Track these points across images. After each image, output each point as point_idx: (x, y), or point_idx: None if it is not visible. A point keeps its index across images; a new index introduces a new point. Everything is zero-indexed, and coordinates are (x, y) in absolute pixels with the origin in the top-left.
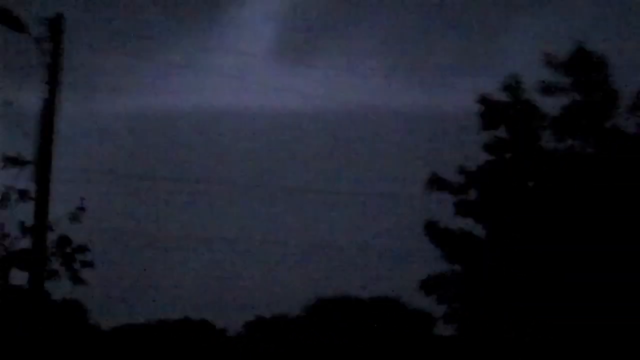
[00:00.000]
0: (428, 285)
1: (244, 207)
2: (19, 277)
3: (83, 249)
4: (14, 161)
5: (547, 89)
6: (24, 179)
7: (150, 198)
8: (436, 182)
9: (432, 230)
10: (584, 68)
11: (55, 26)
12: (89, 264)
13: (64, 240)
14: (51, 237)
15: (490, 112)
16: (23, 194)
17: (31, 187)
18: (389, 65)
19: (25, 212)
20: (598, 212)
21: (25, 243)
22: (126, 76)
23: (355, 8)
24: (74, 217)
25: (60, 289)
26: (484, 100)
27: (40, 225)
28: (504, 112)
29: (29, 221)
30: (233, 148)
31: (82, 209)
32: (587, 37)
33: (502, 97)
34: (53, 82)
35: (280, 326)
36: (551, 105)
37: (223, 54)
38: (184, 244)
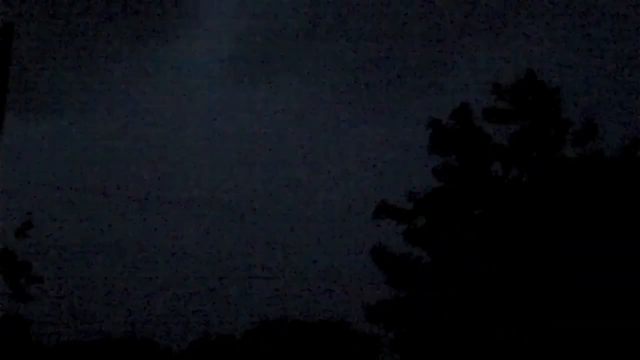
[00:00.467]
0: (375, 311)
1: (192, 223)
2: None
3: (27, 265)
4: None
5: (494, 115)
6: None
7: (97, 212)
8: (384, 209)
9: (379, 255)
10: (532, 97)
11: (5, 35)
12: (37, 280)
13: (8, 255)
14: None
15: (441, 137)
16: None
17: None
18: (342, 90)
19: None
20: (545, 240)
21: None
22: (80, 92)
23: (312, 34)
24: (20, 232)
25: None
26: (434, 125)
27: None
28: (454, 138)
29: None
30: (184, 165)
31: (29, 223)
32: (538, 67)
33: (453, 123)
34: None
35: (225, 347)
36: (500, 133)
37: (176, 71)
38: (129, 259)
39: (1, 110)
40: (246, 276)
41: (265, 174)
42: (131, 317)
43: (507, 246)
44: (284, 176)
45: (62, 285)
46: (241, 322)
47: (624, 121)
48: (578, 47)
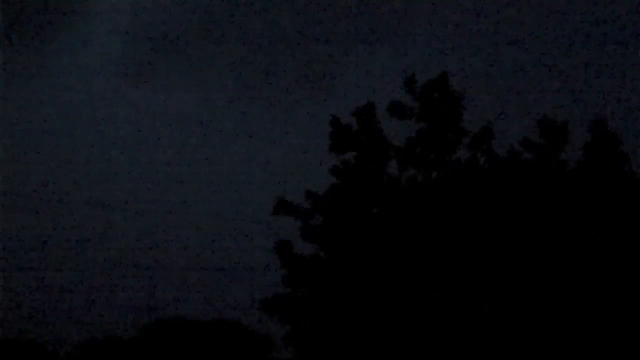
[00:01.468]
0: (270, 304)
1: (78, 222)
2: None
3: None
4: None
5: (397, 110)
6: None
7: None
8: (283, 207)
9: (283, 250)
10: (439, 99)
11: None
12: None
13: None
14: None
15: (340, 136)
16: None
17: None
18: (236, 86)
19: None
20: (437, 241)
21: None
22: None
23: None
24: None
25: None
26: (335, 123)
27: None
28: (353, 138)
29: None
30: (74, 161)
31: None
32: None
33: (353, 123)
34: None
35: (113, 348)
36: (399, 135)
37: (66, 65)
38: (13, 261)
39: None
40: (139, 275)
41: (161, 173)
42: (16, 318)
43: (400, 243)
44: (184, 175)
45: None
46: (134, 321)
47: (525, 124)
48: (488, 52)
